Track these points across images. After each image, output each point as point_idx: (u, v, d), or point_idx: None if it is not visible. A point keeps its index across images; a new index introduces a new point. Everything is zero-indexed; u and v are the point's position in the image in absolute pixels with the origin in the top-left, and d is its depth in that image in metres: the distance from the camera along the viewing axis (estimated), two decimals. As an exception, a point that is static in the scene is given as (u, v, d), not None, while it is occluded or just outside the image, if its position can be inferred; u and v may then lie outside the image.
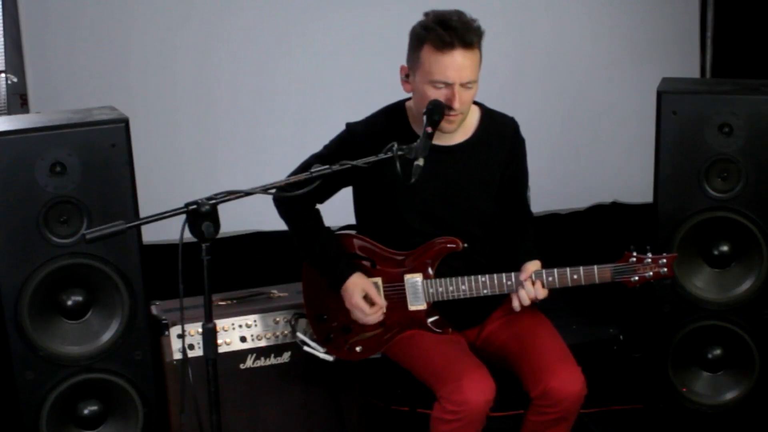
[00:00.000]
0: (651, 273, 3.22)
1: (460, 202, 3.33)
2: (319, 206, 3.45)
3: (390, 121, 3.31)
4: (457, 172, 3.32)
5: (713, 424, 3.68)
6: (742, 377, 3.66)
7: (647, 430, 3.79)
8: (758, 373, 3.63)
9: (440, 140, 3.25)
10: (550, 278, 3.22)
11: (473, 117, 3.34)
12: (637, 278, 3.22)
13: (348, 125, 3.37)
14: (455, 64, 3.11)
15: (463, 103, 3.15)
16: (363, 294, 3.32)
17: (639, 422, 3.93)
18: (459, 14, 3.16)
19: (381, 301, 3.34)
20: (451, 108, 3.13)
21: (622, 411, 4.10)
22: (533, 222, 3.48)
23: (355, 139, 3.30)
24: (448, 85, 3.12)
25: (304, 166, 3.26)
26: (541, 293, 3.22)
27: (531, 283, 3.21)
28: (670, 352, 3.66)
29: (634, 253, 3.22)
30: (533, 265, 3.25)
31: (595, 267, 3.22)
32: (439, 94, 3.13)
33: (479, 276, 3.27)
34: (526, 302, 3.23)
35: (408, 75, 3.23)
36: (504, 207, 3.38)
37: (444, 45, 3.10)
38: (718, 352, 3.69)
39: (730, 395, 3.68)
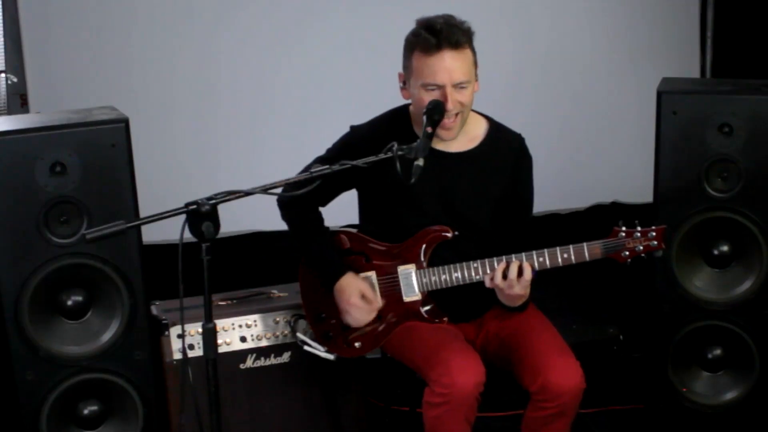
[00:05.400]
0: (641, 246, 3.21)
1: (458, 209, 3.34)
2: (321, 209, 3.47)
3: (393, 125, 3.33)
4: (457, 180, 3.33)
5: (713, 424, 3.68)
6: (742, 377, 3.66)
7: (647, 430, 3.79)
8: (758, 373, 3.63)
9: (445, 146, 3.29)
10: (541, 258, 3.21)
11: (480, 128, 3.35)
12: (627, 253, 3.20)
13: (352, 128, 3.39)
14: (444, 65, 3.14)
15: (455, 104, 3.17)
16: (360, 294, 3.33)
17: (639, 422, 3.93)
18: (446, 17, 3.20)
19: (377, 300, 3.35)
20: (444, 109, 3.15)
21: (622, 411, 4.10)
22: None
23: (359, 141, 3.31)
24: (440, 87, 3.15)
25: (307, 170, 3.25)
26: (526, 274, 3.16)
27: (516, 268, 3.17)
28: (670, 352, 3.66)
29: (623, 228, 3.22)
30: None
31: (585, 244, 3.21)
32: (432, 97, 3.15)
33: (471, 262, 3.26)
34: (498, 279, 3.18)
35: (405, 82, 3.26)
36: (503, 227, 3.36)
37: (431, 47, 3.14)
38: (718, 352, 3.69)
39: (730, 395, 3.68)
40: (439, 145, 3.28)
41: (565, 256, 3.21)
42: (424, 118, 3.12)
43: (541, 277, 3.22)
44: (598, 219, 5.04)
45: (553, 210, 4.98)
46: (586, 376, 3.19)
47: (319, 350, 3.48)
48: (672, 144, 3.58)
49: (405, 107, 3.36)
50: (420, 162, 3.00)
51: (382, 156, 2.99)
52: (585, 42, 4.99)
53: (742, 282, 3.61)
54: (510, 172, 3.36)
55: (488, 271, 3.24)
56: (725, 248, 3.62)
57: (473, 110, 3.33)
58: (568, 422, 3.22)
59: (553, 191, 4.81)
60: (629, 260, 3.21)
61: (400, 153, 2.97)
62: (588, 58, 5.00)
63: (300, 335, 3.57)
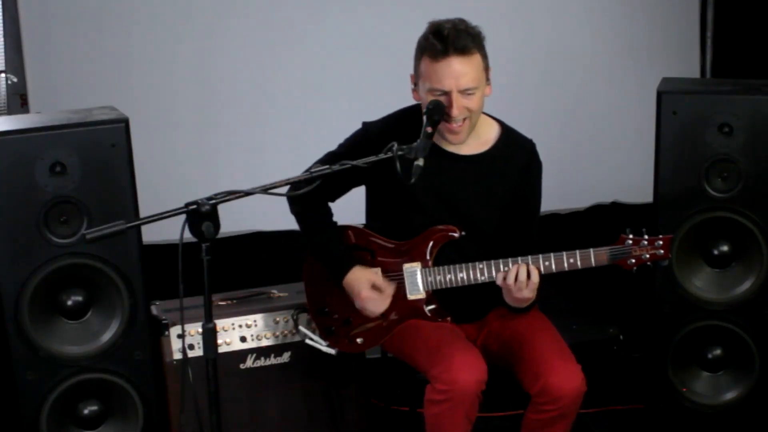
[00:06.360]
0: (648, 255, 3.21)
1: (464, 212, 3.34)
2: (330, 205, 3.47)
3: (406, 123, 3.32)
4: (466, 182, 3.33)
5: (713, 424, 3.68)
6: (742, 377, 3.66)
7: (647, 430, 3.79)
8: (758, 373, 3.63)
9: (456, 149, 3.30)
10: (547, 263, 3.22)
11: (492, 131, 3.35)
12: (633, 260, 3.21)
13: (365, 124, 3.39)
14: (451, 71, 3.14)
15: (461, 110, 3.17)
16: (370, 285, 3.34)
17: (639, 422, 3.93)
18: (456, 22, 3.18)
19: (389, 288, 3.34)
20: (450, 115, 3.15)
21: (622, 411, 4.10)
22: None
23: (371, 138, 3.31)
24: (446, 93, 3.15)
25: (317, 165, 3.25)
26: (534, 277, 3.17)
27: (525, 271, 3.18)
28: (670, 352, 3.66)
29: (630, 236, 3.21)
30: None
31: (592, 250, 3.21)
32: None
33: (477, 263, 3.26)
34: (510, 280, 3.19)
35: (416, 84, 3.26)
36: (509, 231, 3.36)
37: (437, 53, 3.14)
38: (718, 352, 3.69)
39: (730, 395, 3.68)
40: (450, 148, 3.29)
41: (572, 261, 3.21)
42: (425, 118, 3.12)
43: (541, 277, 3.22)
44: (598, 219, 5.04)
45: (553, 210, 4.97)
46: (586, 376, 3.19)
47: (320, 345, 3.48)
48: (672, 144, 3.58)
49: (417, 106, 3.36)
50: (420, 162, 3.00)
51: (382, 156, 2.99)
52: (585, 42, 4.99)
53: (742, 282, 3.61)
54: (519, 177, 3.35)
55: (494, 273, 3.24)
56: (725, 248, 3.62)
57: (486, 114, 3.33)
58: (568, 425, 3.22)
59: (553, 191, 4.79)
60: (635, 268, 3.21)
61: (400, 153, 2.97)
62: (588, 58, 5.00)
63: (302, 329, 3.57)
